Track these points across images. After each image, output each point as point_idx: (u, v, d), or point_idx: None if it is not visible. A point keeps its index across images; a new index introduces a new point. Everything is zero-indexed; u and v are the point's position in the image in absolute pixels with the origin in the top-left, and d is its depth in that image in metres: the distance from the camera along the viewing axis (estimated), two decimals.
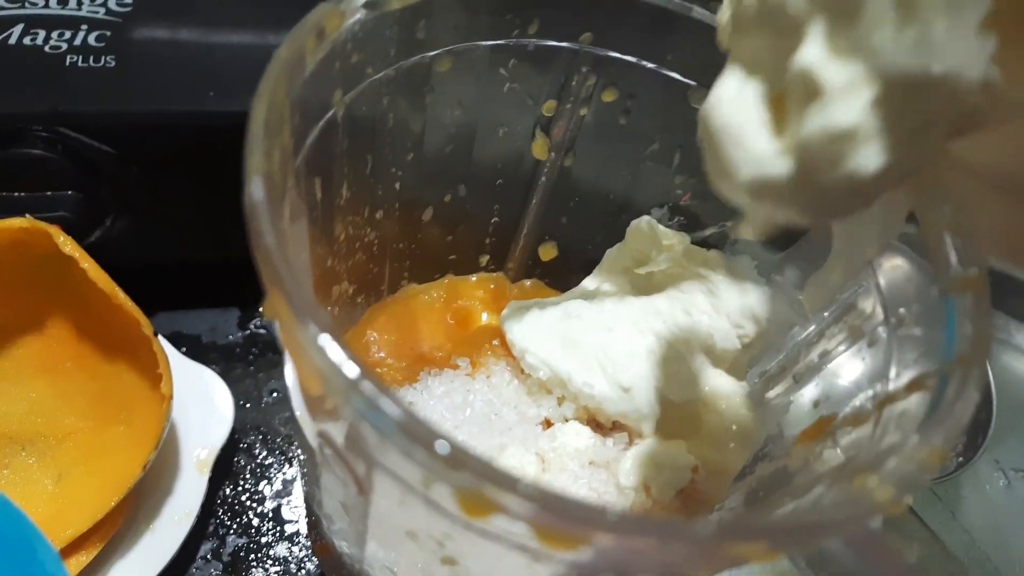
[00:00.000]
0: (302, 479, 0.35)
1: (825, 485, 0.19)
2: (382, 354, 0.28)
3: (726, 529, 0.13)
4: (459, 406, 0.26)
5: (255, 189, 0.14)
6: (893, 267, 0.20)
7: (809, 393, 0.23)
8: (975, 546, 0.40)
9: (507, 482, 0.12)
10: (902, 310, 0.20)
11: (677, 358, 0.27)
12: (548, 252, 0.31)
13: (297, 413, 0.20)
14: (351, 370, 0.13)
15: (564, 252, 0.30)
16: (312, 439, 0.18)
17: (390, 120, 0.23)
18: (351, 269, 0.26)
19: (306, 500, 0.30)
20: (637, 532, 0.12)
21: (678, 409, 0.27)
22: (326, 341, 0.14)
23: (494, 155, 0.27)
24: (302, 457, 0.23)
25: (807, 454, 0.21)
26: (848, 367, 0.22)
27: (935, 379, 0.17)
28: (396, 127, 0.23)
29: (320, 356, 0.14)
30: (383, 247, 0.28)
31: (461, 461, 0.12)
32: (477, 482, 0.12)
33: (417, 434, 0.13)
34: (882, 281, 0.21)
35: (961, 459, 0.40)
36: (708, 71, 0.24)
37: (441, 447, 0.12)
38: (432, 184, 0.26)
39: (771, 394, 0.25)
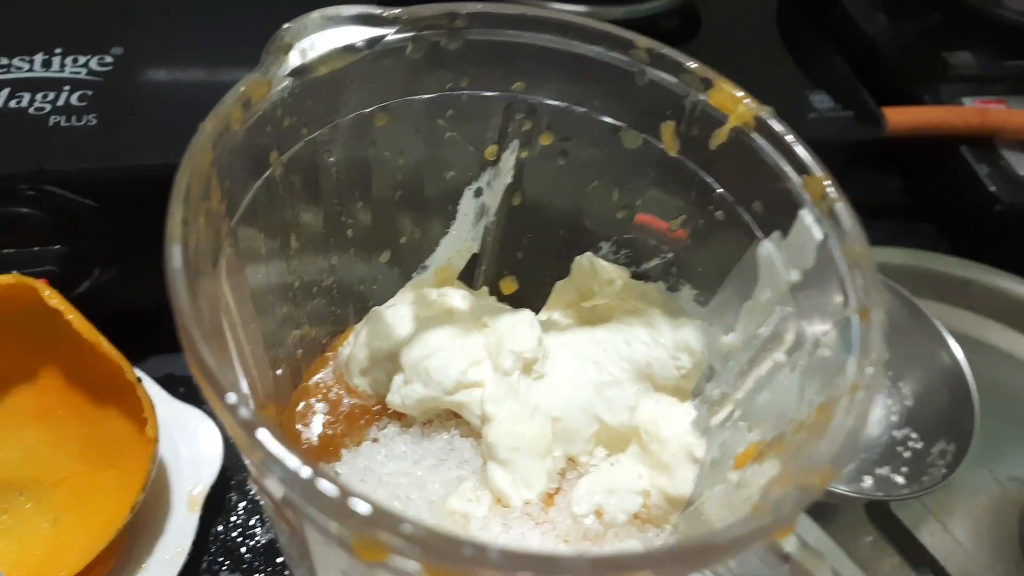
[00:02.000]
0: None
1: (749, 506, 0.20)
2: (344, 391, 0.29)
3: (607, 561, 0.14)
4: (417, 439, 0.28)
5: (172, 256, 0.16)
6: (808, 300, 0.21)
7: (744, 419, 0.24)
8: (968, 557, 0.40)
9: (393, 524, 0.13)
10: (820, 339, 0.20)
11: (615, 383, 0.28)
12: (509, 286, 0.32)
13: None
14: (258, 433, 0.14)
15: (524, 285, 0.31)
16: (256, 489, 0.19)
17: (334, 173, 0.24)
18: (311, 313, 0.28)
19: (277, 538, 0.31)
20: (519, 567, 0.13)
21: (616, 434, 0.28)
22: (233, 405, 0.15)
23: (444, 197, 0.28)
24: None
25: (740, 478, 0.22)
26: (772, 393, 0.23)
27: (834, 404, 0.18)
28: (341, 178, 0.25)
29: (230, 420, 0.15)
30: (343, 290, 0.29)
31: (347, 509, 0.13)
32: (366, 527, 0.13)
33: (310, 488, 0.14)
34: (802, 311, 0.22)
35: (946, 470, 0.40)
36: (633, 113, 0.25)
37: (328, 489, 0.13)
38: (386, 228, 0.28)
39: (715, 420, 0.26)
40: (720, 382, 0.26)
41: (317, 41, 0.21)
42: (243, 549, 0.38)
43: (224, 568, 0.37)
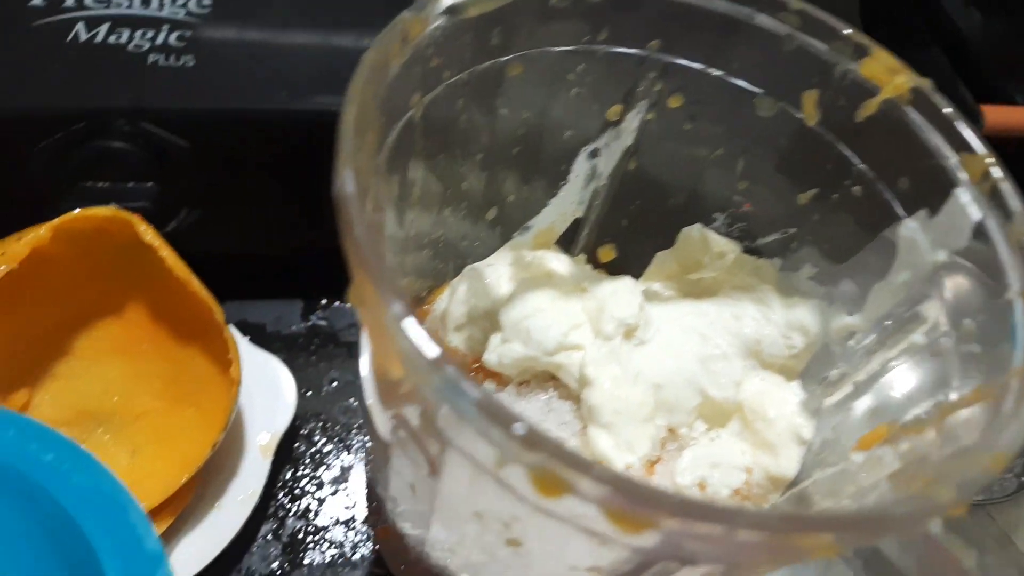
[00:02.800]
0: (366, 465, 0.36)
1: (885, 489, 0.19)
2: None
3: (793, 519, 0.13)
4: (514, 398, 0.27)
5: (347, 182, 0.15)
6: (956, 282, 0.21)
7: (866, 400, 0.24)
8: None
9: (581, 464, 0.13)
10: (967, 321, 0.20)
11: (721, 357, 0.27)
12: (607, 254, 0.31)
13: (368, 401, 0.21)
14: (432, 351, 0.14)
15: (622, 254, 0.31)
16: (384, 423, 0.19)
17: (462, 121, 0.24)
18: (416, 265, 0.27)
19: (369, 485, 0.31)
20: (703, 517, 0.13)
21: (718, 409, 0.27)
22: (410, 324, 0.14)
23: (559, 156, 0.28)
24: (368, 444, 0.24)
25: (865, 460, 0.21)
26: (907, 375, 0.22)
27: (998, 388, 0.17)
28: (467, 128, 0.24)
29: (403, 338, 0.14)
30: (447, 244, 0.28)
31: (537, 442, 0.13)
32: (553, 463, 0.13)
33: (495, 415, 0.13)
34: (947, 293, 0.21)
35: (1022, 479, 0.39)
36: (773, 79, 0.24)
37: (518, 428, 0.13)
38: (498, 184, 0.27)
39: (829, 401, 0.25)
40: (837, 362, 0.25)
41: None
42: (308, 497, 0.38)
43: (291, 514, 0.38)
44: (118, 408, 0.36)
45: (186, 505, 0.33)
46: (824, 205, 0.25)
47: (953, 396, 0.19)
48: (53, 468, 0.21)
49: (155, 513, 0.32)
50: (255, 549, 0.36)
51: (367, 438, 0.39)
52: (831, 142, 0.24)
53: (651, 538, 0.13)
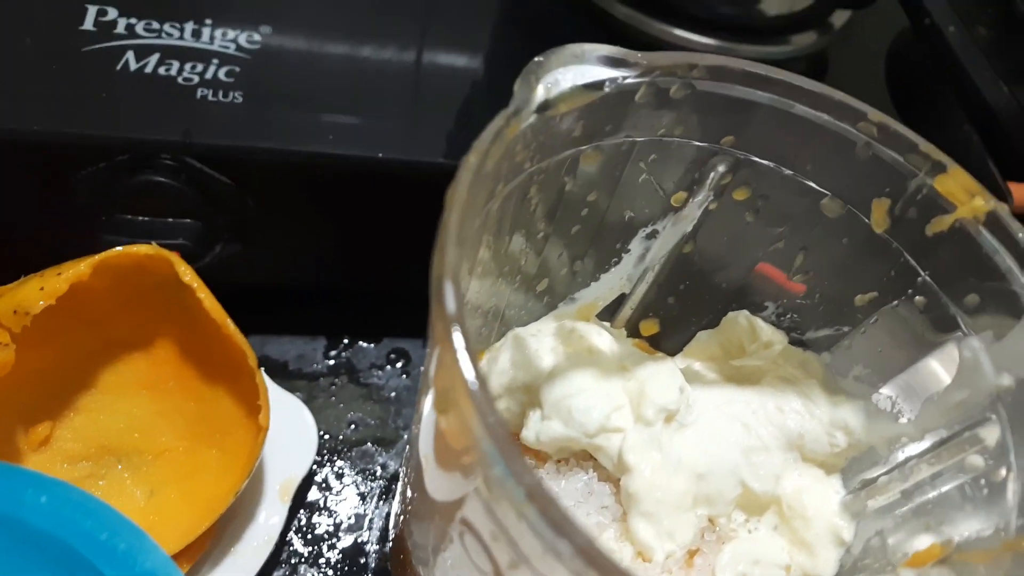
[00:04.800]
0: (398, 514, 0.35)
1: None
2: None
3: None
4: (553, 476, 0.27)
5: (448, 299, 0.15)
6: (1020, 411, 0.21)
7: (915, 513, 0.24)
8: None
9: None
10: None
11: (763, 449, 0.27)
12: (649, 328, 0.31)
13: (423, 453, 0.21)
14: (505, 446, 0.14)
15: (665, 330, 0.31)
16: (452, 528, 0.19)
17: (532, 204, 0.24)
18: (472, 332, 0.27)
19: (398, 536, 0.31)
20: None
21: (757, 500, 0.27)
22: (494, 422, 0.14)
23: (617, 235, 0.27)
24: (402, 493, 0.23)
25: (919, 574, 0.21)
26: (962, 496, 0.22)
27: None
28: (536, 212, 0.24)
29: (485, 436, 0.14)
30: (495, 312, 0.28)
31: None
32: None
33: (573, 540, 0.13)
34: (1009, 420, 0.21)
35: None
36: (845, 184, 0.24)
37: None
38: (553, 259, 0.27)
39: (873, 505, 0.25)
40: (884, 467, 0.25)
41: (560, 77, 0.20)
42: (323, 544, 0.38)
43: (303, 561, 0.37)
44: (139, 445, 0.35)
45: (204, 551, 0.33)
46: (883, 310, 0.25)
47: (1014, 525, 0.19)
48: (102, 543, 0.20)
49: (173, 559, 0.31)
50: None
51: (390, 483, 0.39)
52: (898, 251, 0.24)
53: None
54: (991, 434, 0.21)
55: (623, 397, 0.27)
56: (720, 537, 0.27)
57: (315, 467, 0.39)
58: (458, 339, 0.15)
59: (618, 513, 0.26)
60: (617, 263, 0.28)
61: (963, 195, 0.22)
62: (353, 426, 0.41)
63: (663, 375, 0.27)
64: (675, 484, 0.25)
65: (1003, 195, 0.47)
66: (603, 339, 0.29)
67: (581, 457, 0.28)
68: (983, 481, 0.21)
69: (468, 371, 0.15)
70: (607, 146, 0.23)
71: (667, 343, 0.31)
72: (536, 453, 0.28)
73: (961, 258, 0.22)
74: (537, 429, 0.27)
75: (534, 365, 0.28)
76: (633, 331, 0.31)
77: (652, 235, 0.27)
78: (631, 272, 0.29)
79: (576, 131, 0.22)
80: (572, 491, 0.27)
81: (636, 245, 0.28)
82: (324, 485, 0.39)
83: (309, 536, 0.38)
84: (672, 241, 0.27)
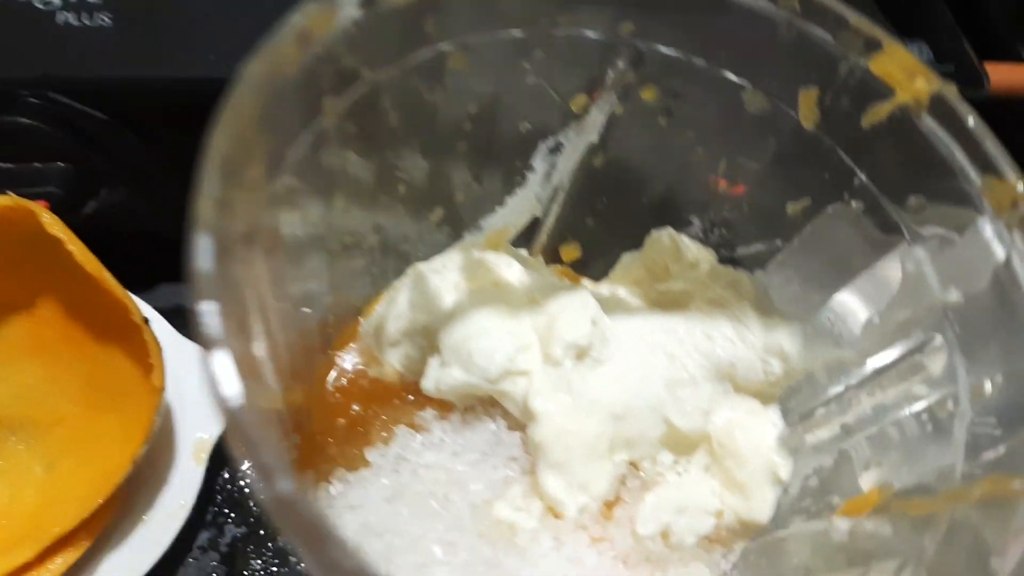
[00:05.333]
0: None
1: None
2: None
3: None
4: (458, 427, 0.24)
5: (201, 252, 0.12)
6: (970, 332, 0.17)
7: (856, 449, 0.21)
8: None
9: None
10: (986, 384, 0.17)
11: (690, 382, 0.24)
12: (570, 253, 0.28)
13: None
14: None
15: (588, 254, 0.27)
16: None
17: (394, 121, 0.20)
18: (348, 273, 0.24)
19: None
20: None
21: (685, 439, 0.24)
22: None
23: (514, 150, 0.24)
24: None
25: (853, 529, 0.19)
26: (905, 431, 0.19)
27: (1018, 486, 0.14)
28: (401, 127, 0.20)
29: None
30: (386, 248, 0.25)
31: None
32: None
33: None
34: (958, 343, 0.18)
35: None
36: (766, 72, 0.20)
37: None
38: (442, 183, 0.24)
39: (812, 440, 0.22)
40: (823, 397, 0.22)
41: None
42: (250, 503, 0.35)
43: (229, 521, 0.35)
44: (32, 414, 0.32)
45: (107, 524, 0.30)
46: (818, 218, 0.21)
47: (959, 471, 0.16)
48: None
49: (73, 534, 0.29)
50: (191, 560, 0.34)
51: None
52: (831, 148, 0.20)
53: None
54: (937, 360, 0.18)
55: (531, 335, 0.24)
56: (644, 484, 0.24)
57: None
58: (209, 312, 0.12)
59: (527, 464, 0.24)
60: (522, 183, 0.25)
61: (902, 76, 0.18)
62: None
63: (573, 308, 0.24)
64: (588, 428, 0.23)
65: (979, 78, 0.43)
66: (512, 270, 0.25)
67: (489, 404, 0.25)
68: (926, 416, 0.18)
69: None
70: (476, 44, 0.19)
71: (591, 268, 0.28)
72: (440, 403, 0.25)
73: (902, 153, 0.19)
74: (436, 377, 0.24)
75: (435, 305, 0.25)
76: (554, 257, 0.28)
77: (556, 149, 0.24)
78: (539, 192, 0.25)
79: (428, 27, 0.18)
80: (478, 443, 0.24)
81: (539, 162, 0.24)
82: None
83: (236, 495, 0.35)
84: (579, 153, 0.24)
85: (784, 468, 0.23)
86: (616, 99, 0.22)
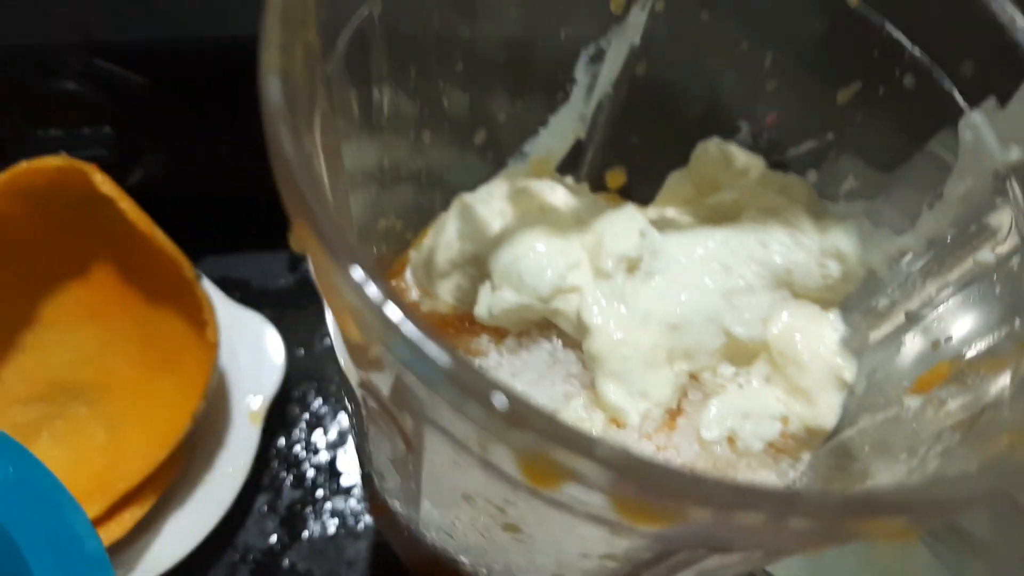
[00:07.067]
0: (352, 431, 0.33)
1: (951, 443, 0.16)
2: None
3: (858, 503, 0.10)
4: (514, 349, 0.24)
5: (271, 89, 0.12)
6: None
7: (922, 334, 0.20)
8: None
9: (581, 444, 0.09)
10: None
11: (747, 290, 0.24)
12: (616, 178, 0.28)
13: (341, 361, 0.18)
14: (392, 312, 0.11)
15: (635, 178, 0.27)
16: (356, 390, 0.16)
17: (435, 21, 0.20)
18: (397, 201, 0.24)
19: (357, 453, 0.28)
20: (742, 506, 0.10)
21: (745, 349, 0.24)
22: (361, 278, 0.11)
23: (555, 62, 0.24)
24: (350, 408, 0.21)
25: (923, 405, 0.18)
26: (972, 302, 0.19)
27: None
28: (442, 30, 0.20)
29: (355, 296, 0.11)
30: (432, 176, 0.25)
31: (523, 418, 0.09)
32: (544, 444, 0.09)
33: (470, 386, 0.10)
34: (1022, 200, 0.17)
35: None
36: None
37: (499, 400, 0.10)
38: (484, 100, 0.24)
39: (876, 335, 0.22)
40: (885, 290, 0.22)
41: None
42: (306, 465, 0.35)
43: (287, 484, 0.35)
44: (92, 379, 0.33)
45: (170, 483, 0.31)
46: (869, 103, 0.21)
47: None
48: None
49: (138, 492, 0.29)
50: (250, 523, 0.34)
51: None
52: (879, 24, 0.20)
53: (676, 528, 0.10)
54: (1002, 221, 0.18)
55: (580, 253, 0.24)
56: (706, 395, 0.23)
57: (291, 385, 0.37)
58: (290, 140, 0.12)
59: (587, 380, 0.23)
60: (565, 100, 0.25)
61: None
62: (328, 340, 0.39)
63: (620, 221, 0.23)
64: (644, 339, 0.22)
65: None
66: (557, 194, 0.25)
67: (543, 327, 0.25)
68: (995, 277, 0.18)
69: (307, 184, 0.12)
70: None
71: (638, 193, 0.27)
72: (495, 330, 0.25)
73: (953, 15, 0.18)
74: (488, 303, 0.24)
75: (482, 233, 0.24)
76: (600, 185, 0.28)
77: (597, 57, 0.24)
78: (582, 110, 0.25)
79: None
80: (535, 363, 0.24)
81: (581, 73, 0.24)
82: (302, 404, 0.37)
83: (291, 459, 0.36)
84: (621, 60, 0.23)
85: (848, 370, 0.22)
86: None
